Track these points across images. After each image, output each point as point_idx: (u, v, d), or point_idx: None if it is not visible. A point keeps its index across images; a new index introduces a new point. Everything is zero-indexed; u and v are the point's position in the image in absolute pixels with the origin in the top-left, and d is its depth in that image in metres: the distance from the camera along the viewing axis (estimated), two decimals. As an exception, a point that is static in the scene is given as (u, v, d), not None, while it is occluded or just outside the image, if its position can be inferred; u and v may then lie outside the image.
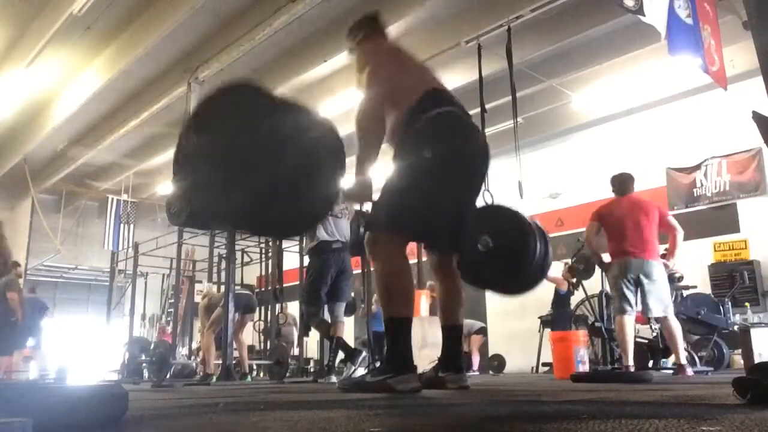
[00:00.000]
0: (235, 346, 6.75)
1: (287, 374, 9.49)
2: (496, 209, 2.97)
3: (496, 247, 2.71)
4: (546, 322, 8.59)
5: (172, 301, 10.73)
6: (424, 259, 8.27)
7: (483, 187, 2.76)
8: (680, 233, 5.05)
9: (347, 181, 2.52)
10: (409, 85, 2.61)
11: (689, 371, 4.75)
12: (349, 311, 5.58)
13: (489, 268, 2.74)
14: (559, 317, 8.08)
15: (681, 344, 4.86)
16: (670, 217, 5.18)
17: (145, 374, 9.84)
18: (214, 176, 2.03)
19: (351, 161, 2.54)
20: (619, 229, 5.04)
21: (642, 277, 4.87)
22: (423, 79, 2.68)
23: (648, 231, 4.97)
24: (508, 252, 2.75)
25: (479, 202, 2.81)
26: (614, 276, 5.00)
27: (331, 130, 2.20)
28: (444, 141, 2.51)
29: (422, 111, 2.51)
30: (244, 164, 1.99)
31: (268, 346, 8.43)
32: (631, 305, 4.88)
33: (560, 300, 8.39)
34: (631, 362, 4.77)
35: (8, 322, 7.99)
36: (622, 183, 5.30)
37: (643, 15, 4.97)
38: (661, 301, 4.87)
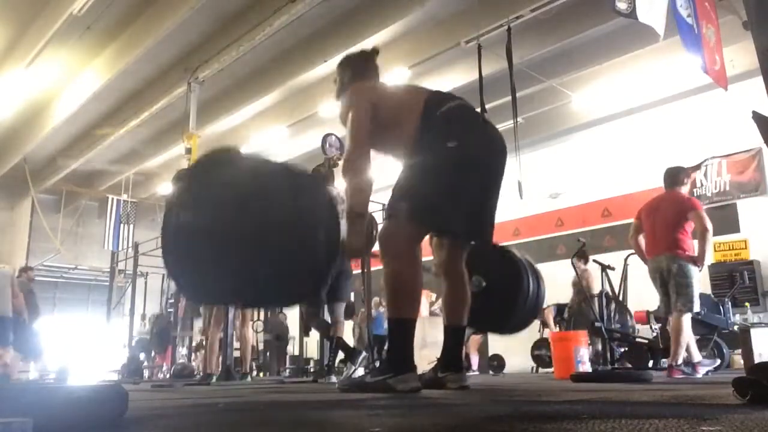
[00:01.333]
0: (237, 345, 6.75)
1: (286, 371, 9.51)
2: (488, 249, 2.95)
3: (489, 287, 2.72)
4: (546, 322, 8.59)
5: (172, 301, 10.72)
6: (429, 258, 8.27)
7: (504, 174, 2.67)
8: (707, 232, 4.84)
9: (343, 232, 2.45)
10: (408, 98, 2.60)
11: (677, 374, 4.71)
12: (347, 314, 5.56)
13: (482, 308, 2.73)
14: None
15: (679, 346, 4.81)
16: (697, 213, 4.94)
17: (145, 374, 9.85)
18: (203, 256, 1.97)
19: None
20: (646, 227, 5.06)
21: (664, 273, 4.85)
22: (420, 90, 2.67)
23: (666, 226, 4.93)
24: (501, 292, 2.76)
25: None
26: (650, 275, 5.00)
27: (318, 187, 2.17)
28: (463, 130, 2.49)
29: (434, 110, 2.50)
30: (234, 241, 1.93)
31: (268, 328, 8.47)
32: (668, 303, 4.86)
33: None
34: (680, 361, 4.77)
35: (20, 323, 8.03)
36: (665, 177, 5.28)
37: (636, 18, 4.98)
38: (677, 297, 4.77)
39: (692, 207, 4.95)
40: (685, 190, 5.27)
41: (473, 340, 9.68)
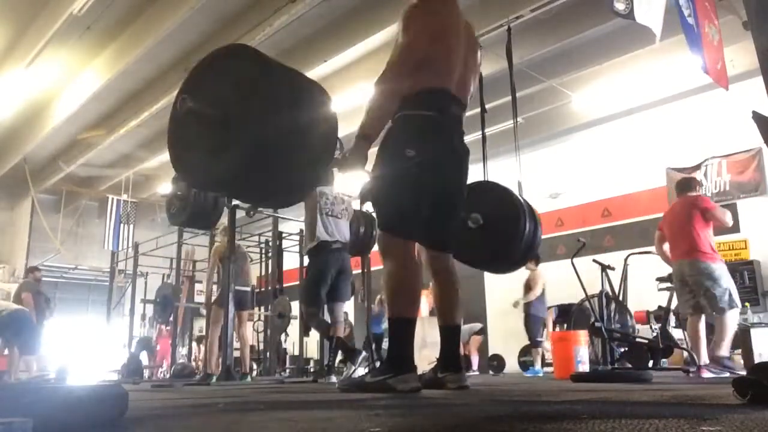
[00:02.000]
0: (236, 345, 6.74)
1: (287, 371, 9.51)
2: (487, 186, 2.95)
3: (486, 224, 2.72)
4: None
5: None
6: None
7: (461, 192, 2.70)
8: (728, 225, 5.09)
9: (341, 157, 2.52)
10: (420, 74, 2.52)
11: (705, 373, 4.78)
12: (351, 292, 5.61)
13: (479, 245, 2.74)
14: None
15: (722, 341, 4.88)
16: (712, 213, 5.03)
17: (146, 374, 9.85)
18: (206, 139, 2.05)
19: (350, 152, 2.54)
20: (667, 235, 5.24)
21: (685, 277, 4.96)
22: (438, 74, 2.58)
23: (681, 231, 5.02)
24: (498, 229, 2.76)
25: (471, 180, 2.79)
26: (673, 279, 5.17)
27: (324, 102, 2.22)
28: (419, 142, 2.48)
29: (406, 107, 2.50)
30: (236, 127, 2.00)
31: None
32: (691, 306, 4.96)
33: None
34: (702, 361, 4.83)
35: (29, 322, 8.04)
36: (677, 186, 5.52)
37: (634, 19, 4.99)
38: (708, 299, 4.88)
39: (705, 208, 5.04)
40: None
41: (474, 341, 9.70)
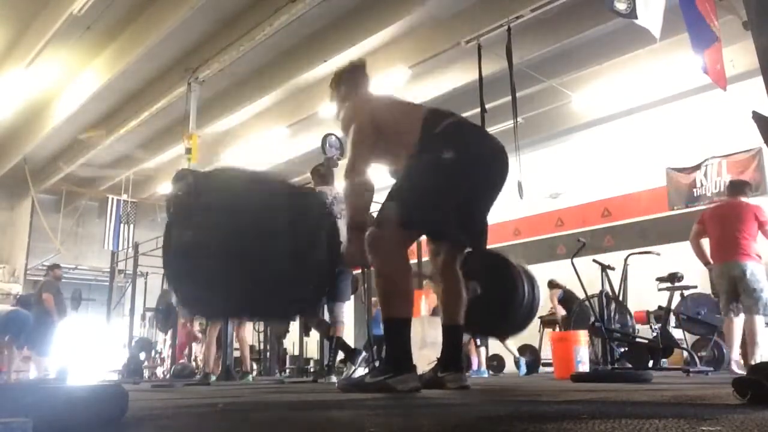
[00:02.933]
0: (236, 345, 6.74)
1: (286, 371, 9.50)
2: (483, 255, 2.98)
3: (484, 293, 2.76)
4: (547, 322, 8.60)
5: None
6: (424, 258, 8.27)
7: (500, 188, 2.72)
8: None
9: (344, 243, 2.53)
10: (406, 116, 2.63)
11: (735, 368, 4.90)
12: (352, 289, 5.62)
13: (479, 314, 2.77)
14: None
15: (755, 346, 4.95)
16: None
17: (145, 374, 9.85)
18: (203, 274, 1.99)
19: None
20: (713, 233, 5.33)
21: (735, 278, 5.09)
22: (418, 108, 2.71)
23: (737, 233, 5.15)
24: (496, 298, 2.80)
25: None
26: (715, 279, 5.31)
27: (315, 202, 2.19)
28: (460, 142, 2.52)
29: (432, 129, 2.53)
30: (234, 260, 1.95)
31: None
32: (735, 307, 5.09)
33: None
34: (734, 359, 4.92)
35: (46, 322, 8.04)
36: (729, 187, 5.65)
37: (636, 18, 4.98)
38: (750, 300, 5.03)
39: (763, 221, 5.24)
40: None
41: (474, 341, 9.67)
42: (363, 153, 2.56)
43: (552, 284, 8.36)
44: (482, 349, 8.08)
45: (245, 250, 1.96)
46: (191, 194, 2.17)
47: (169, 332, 9.99)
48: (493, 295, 2.84)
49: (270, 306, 2.08)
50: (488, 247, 2.84)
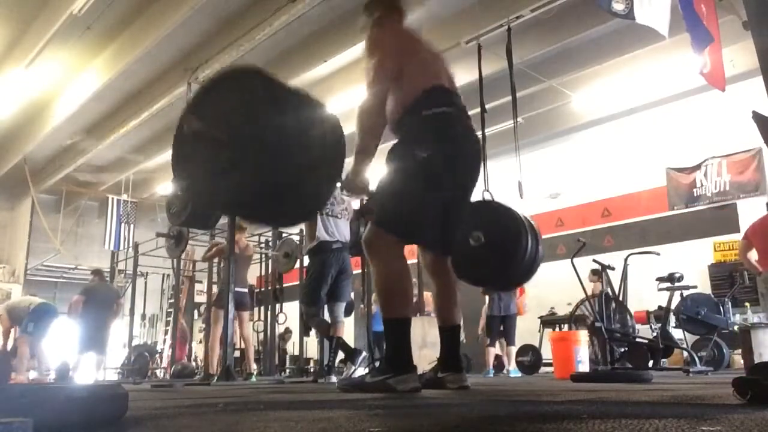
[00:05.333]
0: (241, 344, 6.73)
1: (287, 371, 9.50)
2: (489, 205, 2.97)
3: (487, 242, 2.73)
4: (546, 322, 8.60)
5: (172, 301, 10.73)
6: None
7: (475, 188, 2.74)
8: None
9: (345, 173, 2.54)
10: (412, 80, 2.58)
11: None
12: (347, 312, 5.58)
13: (481, 263, 2.75)
14: None
15: None
16: None
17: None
18: (212, 161, 2.04)
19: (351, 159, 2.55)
20: (761, 246, 5.57)
21: None
22: (428, 75, 2.64)
23: None
24: (499, 248, 2.77)
25: (474, 199, 2.81)
26: (761, 284, 5.54)
27: (333, 124, 2.21)
28: (436, 142, 2.50)
29: (419, 110, 2.51)
30: (243, 150, 1.99)
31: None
32: None
33: None
34: None
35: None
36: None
37: (634, 18, 4.97)
38: None
39: None
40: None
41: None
42: (382, 78, 2.54)
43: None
44: (512, 348, 8.10)
45: (255, 142, 2.00)
46: (210, 87, 2.19)
47: (169, 332, 10.01)
48: (497, 245, 2.80)
49: (271, 204, 2.10)
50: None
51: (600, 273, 7.73)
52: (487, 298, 8.01)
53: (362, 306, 7.17)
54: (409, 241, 2.57)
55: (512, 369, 8.02)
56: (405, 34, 2.77)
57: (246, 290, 7.09)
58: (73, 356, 8.38)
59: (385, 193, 2.53)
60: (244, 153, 2.00)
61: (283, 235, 8.62)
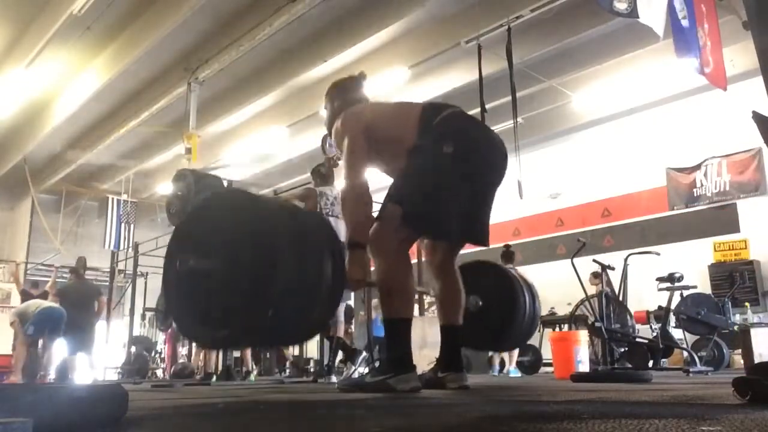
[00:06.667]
0: None
1: (286, 371, 9.50)
2: (482, 268, 2.96)
3: (486, 306, 2.75)
4: (546, 322, 8.59)
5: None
6: (423, 259, 8.26)
7: (499, 183, 2.67)
8: None
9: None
10: (403, 114, 2.59)
11: None
12: (346, 319, 5.57)
13: (481, 327, 2.77)
14: None
15: None
16: None
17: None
18: (205, 303, 1.96)
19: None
20: None
21: None
22: (414, 104, 2.66)
23: None
24: (498, 311, 2.80)
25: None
26: None
27: (320, 224, 2.16)
28: (460, 135, 2.48)
29: (431, 120, 2.49)
30: (238, 289, 1.90)
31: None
32: None
33: None
34: None
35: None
36: None
37: (637, 17, 4.96)
38: None
39: None
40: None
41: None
42: (358, 166, 2.52)
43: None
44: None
45: (250, 280, 1.90)
46: (192, 221, 2.12)
47: (169, 332, 10.01)
48: (495, 308, 2.83)
49: (280, 334, 2.05)
50: (489, 246, 2.82)
51: (600, 275, 7.74)
52: None
53: (362, 313, 7.15)
54: (430, 235, 2.55)
55: (512, 369, 8.02)
56: (366, 107, 2.76)
57: None
58: (68, 358, 8.38)
59: (405, 189, 2.47)
60: (239, 289, 1.91)
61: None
